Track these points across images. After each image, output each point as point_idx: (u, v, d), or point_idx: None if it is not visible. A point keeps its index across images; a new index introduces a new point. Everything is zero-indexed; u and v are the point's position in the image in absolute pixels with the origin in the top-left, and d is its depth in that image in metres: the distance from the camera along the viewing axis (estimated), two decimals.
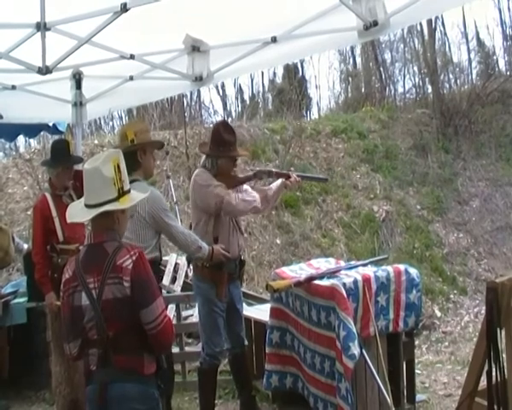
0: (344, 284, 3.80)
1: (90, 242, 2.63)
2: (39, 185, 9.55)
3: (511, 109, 15.15)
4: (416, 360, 5.34)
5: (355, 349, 3.63)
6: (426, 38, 16.58)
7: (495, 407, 2.92)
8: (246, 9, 3.77)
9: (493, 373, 2.89)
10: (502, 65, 17.59)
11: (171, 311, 5.57)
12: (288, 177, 4.50)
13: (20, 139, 11.09)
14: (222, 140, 4.24)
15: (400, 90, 18.13)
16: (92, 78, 5.04)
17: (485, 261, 11.57)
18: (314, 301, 3.95)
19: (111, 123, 16.71)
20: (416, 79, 17.75)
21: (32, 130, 6.88)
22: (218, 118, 17.35)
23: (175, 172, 10.87)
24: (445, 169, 13.22)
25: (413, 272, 4.14)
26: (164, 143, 4.62)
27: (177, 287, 6.89)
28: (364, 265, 4.30)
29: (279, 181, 4.53)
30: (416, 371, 5.01)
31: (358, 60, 19.52)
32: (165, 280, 6.83)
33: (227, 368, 5.11)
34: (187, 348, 5.82)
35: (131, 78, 5.02)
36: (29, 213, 9.01)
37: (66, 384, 4.60)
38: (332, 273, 4.06)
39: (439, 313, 9.99)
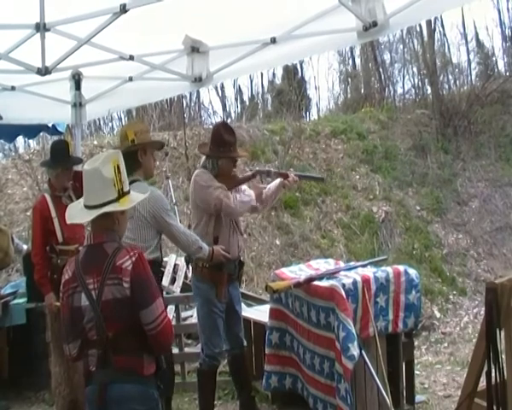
0: (343, 285, 3.80)
1: (90, 242, 2.63)
2: (39, 186, 9.55)
3: (510, 110, 15.16)
4: (416, 361, 5.34)
5: (354, 350, 3.63)
6: (425, 38, 16.61)
7: (494, 407, 2.91)
8: (245, 10, 3.78)
9: (493, 374, 2.88)
10: (501, 66, 17.67)
11: (170, 312, 5.57)
12: (286, 176, 4.53)
13: (20, 140, 11.09)
14: (222, 141, 4.24)
15: (400, 90, 18.19)
16: (91, 78, 5.04)
17: (484, 262, 11.58)
18: (313, 301, 3.95)
19: (110, 124, 16.75)
20: (416, 80, 17.79)
21: (31, 131, 6.88)
22: (218, 119, 17.39)
23: (174, 172, 10.87)
24: (444, 170, 13.23)
25: (412, 272, 4.14)
26: (164, 143, 4.62)
27: (177, 288, 6.89)
28: (364, 266, 4.31)
29: (277, 180, 4.56)
30: (416, 371, 5.01)
31: (358, 61, 19.58)
32: (165, 281, 6.83)
33: (226, 369, 5.11)
34: (186, 349, 5.82)
35: (131, 78, 5.02)
36: (28, 213, 9.01)
37: (65, 385, 4.60)
38: (331, 274, 4.06)
39: (438, 314, 9.99)
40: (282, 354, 4.38)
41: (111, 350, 2.51)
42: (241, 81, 19.36)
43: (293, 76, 18.16)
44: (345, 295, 3.74)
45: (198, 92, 15.39)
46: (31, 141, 11.56)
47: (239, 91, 19.74)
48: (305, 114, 18.37)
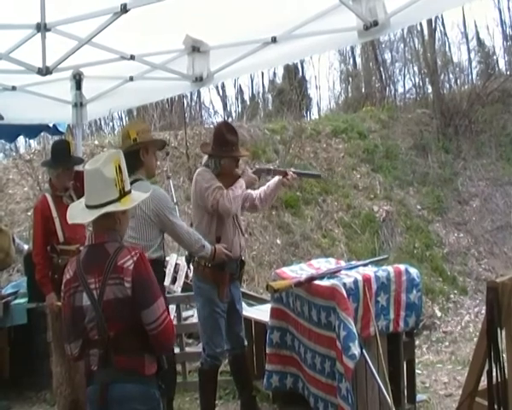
0: (344, 284, 3.80)
1: (91, 242, 2.63)
2: (39, 186, 9.54)
3: (511, 109, 15.15)
4: (417, 360, 5.34)
5: (355, 349, 3.63)
6: (426, 37, 16.59)
7: (495, 406, 2.92)
8: (246, 10, 3.78)
9: (494, 373, 2.89)
10: (502, 65, 17.63)
11: (171, 311, 5.57)
12: (285, 174, 4.58)
13: (21, 140, 11.11)
14: (225, 140, 4.25)
15: (400, 90, 18.18)
16: (92, 78, 5.04)
17: (485, 261, 11.57)
18: (314, 301, 3.95)
19: (111, 124, 16.74)
20: (416, 79, 17.80)
21: (32, 131, 6.89)
22: (219, 118, 17.39)
23: (175, 172, 10.86)
24: (445, 169, 13.22)
25: (413, 271, 4.14)
26: (166, 142, 4.63)
27: (178, 287, 6.89)
28: (365, 265, 4.31)
29: (276, 178, 4.61)
30: (417, 371, 5.01)
31: (358, 60, 19.55)
32: (166, 281, 6.80)
33: (227, 368, 5.11)
34: (187, 349, 5.83)
35: (131, 78, 5.02)
36: (29, 213, 9.01)
37: (66, 385, 4.60)
38: (332, 273, 4.06)
39: (439, 313, 9.99)
40: (283, 354, 4.38)
41: (112, 350, 2.52)
42: (242, 81, 19.39)
43: (294, 75, 18.15)
44: (346, 295, 3.73)
45: (199, 92, 15.39)
46: (32, 141, 11.61)
47: (240, 91, 19.76)
48: (306, 113, 18.39)
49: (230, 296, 4.37)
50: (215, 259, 4.12)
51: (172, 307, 5.73)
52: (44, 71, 3.85)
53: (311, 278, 4.00)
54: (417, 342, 7.71)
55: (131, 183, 2.91)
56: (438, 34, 17.37)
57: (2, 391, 5.37)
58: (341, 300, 3.72)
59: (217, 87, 17.95)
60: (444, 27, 18.06)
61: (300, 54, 5.49)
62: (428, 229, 11.84)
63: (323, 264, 4.54)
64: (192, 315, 6.20)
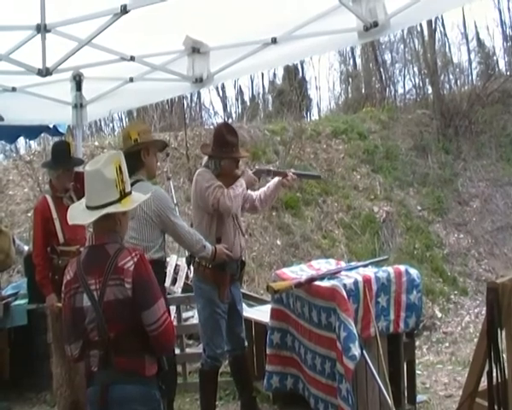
0: (344, 285, 3.80)
1: (92, 243, 2.63)
2: (40, 187, 9.55)
3: (511, 109, 15.15)
4: (417, 361, 5.33)
5: (356, 350, 3.63)
6: (426, 38, 16.60)
7: (495, 407, 2.92)
8: (246, 10, 3.77)
9: (494, 374, 2.89)
10: (502, 65, 17.67)
11: (171, 312, 5.56)
12: (285, 175, 4.58)
13: (21, 141, 11.14)
14: (225, 141, 4.26)
15: (400, 90, 18.21)
16: (92, 79, 5.04)
17: (485, 262, 11.57)
18: (315, 302, 3.95)
19: (111, 125, 16.78)
20: (417, 80, 17.81)
21: (32, 132, 6.88)
22: (219, 119, 17.39)
23: (175, 173, 10.87)
24: (445, 170, 13.22)
25: (413, 272, 4.14)
26: (167, 143, 4.63)
27: (178, 288, 6.89)
28: (365, 266, 4.31)
29: (276, 179, 4.60)
30: (417, 371, 5.01)
31: (358, 61, 19.59)
32: (166, 282, 6.82)
33: (228, 369, 5.11)
34: (187, 350, 5.82)
35: (131, 79, 5.01)
36: (29, 215, 9.01)
37: (67, 386, 4.60)
38: (332, 274, 4.06)
39: (439, 314, 9.99)
40: (284, 355, 4.38)
41: (113, 351, 2.52)
42: (242, 81, 19.42)
43: (294, 76, 18.17)
44: (346, 296, 3.74)
45: (199, 93, 15.42)
46: (32, 142, 11.61)
47: (240, 92, 19.78)
48: (306, 114, 18.41)
49: (231, 297, 4.37)
50: (216, 259, 4.12)
51: (173, 308, 5.72)
52: (44, 72, 3.85)
53: (311, 279, 4.01)
54: (417, 343, 7.70)
55: (132, 184, 2.91)
56: (438, 35, 17.43)
57: (2, 392, 5.36)
58: (342, 301, 3.72)
59: (217, 88, 18.00)
60: (444, 28, 18.13)
61: (300, 54, 5.50)
62: (428, 230, 11.84)
63: (324, 265, 4.54)
64: (192, 316, 6.21)
